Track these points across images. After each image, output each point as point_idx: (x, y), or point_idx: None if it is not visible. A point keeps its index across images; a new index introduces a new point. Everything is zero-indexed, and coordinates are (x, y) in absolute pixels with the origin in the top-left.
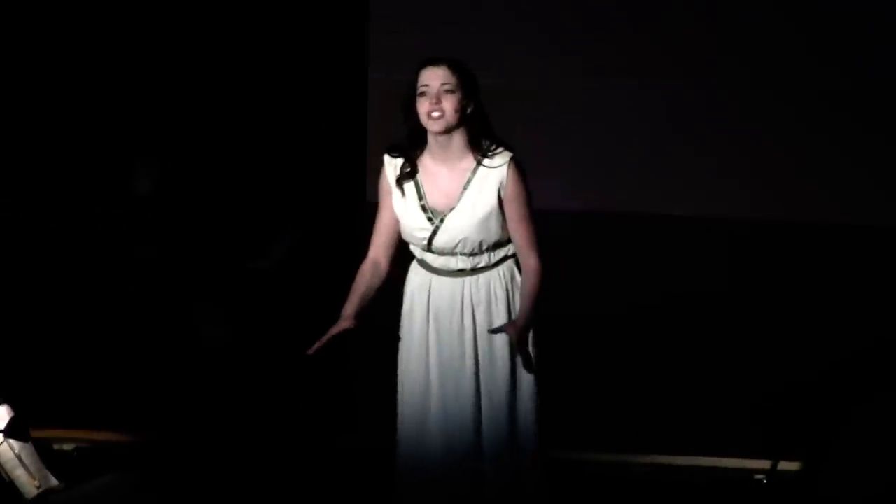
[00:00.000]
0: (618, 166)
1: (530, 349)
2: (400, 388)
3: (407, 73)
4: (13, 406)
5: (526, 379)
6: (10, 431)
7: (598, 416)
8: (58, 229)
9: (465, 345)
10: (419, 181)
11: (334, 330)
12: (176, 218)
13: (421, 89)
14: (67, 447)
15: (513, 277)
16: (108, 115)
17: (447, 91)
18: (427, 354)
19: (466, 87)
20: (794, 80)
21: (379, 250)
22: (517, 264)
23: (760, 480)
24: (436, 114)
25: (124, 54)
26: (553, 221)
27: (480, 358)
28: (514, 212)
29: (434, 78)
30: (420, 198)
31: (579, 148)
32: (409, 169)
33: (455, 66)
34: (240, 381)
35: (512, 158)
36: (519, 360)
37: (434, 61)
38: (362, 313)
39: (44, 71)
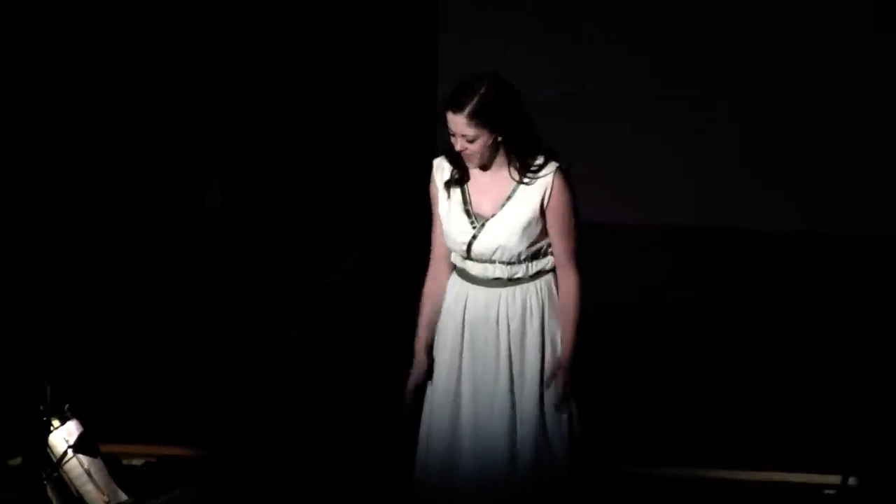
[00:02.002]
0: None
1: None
2: (428, 399)
3: None
4: (82, 421)
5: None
6: (79, 446)
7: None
8: (133, 244)
9: (499, 357)
10: (466, 186)
11: (416, 378)
12: (246, 232)
13: (449, 129)
14: (136, 462)
15: (549, 293)
16: (183, 130)
17: (469, 141)
18: (460, 367)
19: (492, 125)
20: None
21: (439, 262)
22: (555, 280)
23: (830, 495)
24: (464, 156)
25: (200, 70)
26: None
27: (514, 370)
28: (557, 223)
29: (454, 125)
30: (465, 202)
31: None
32: (458, 174)
33: (474, 114)
34: (312, 395)
35: (558, 168)
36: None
37: (454, 106)
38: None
39: (123, 86)
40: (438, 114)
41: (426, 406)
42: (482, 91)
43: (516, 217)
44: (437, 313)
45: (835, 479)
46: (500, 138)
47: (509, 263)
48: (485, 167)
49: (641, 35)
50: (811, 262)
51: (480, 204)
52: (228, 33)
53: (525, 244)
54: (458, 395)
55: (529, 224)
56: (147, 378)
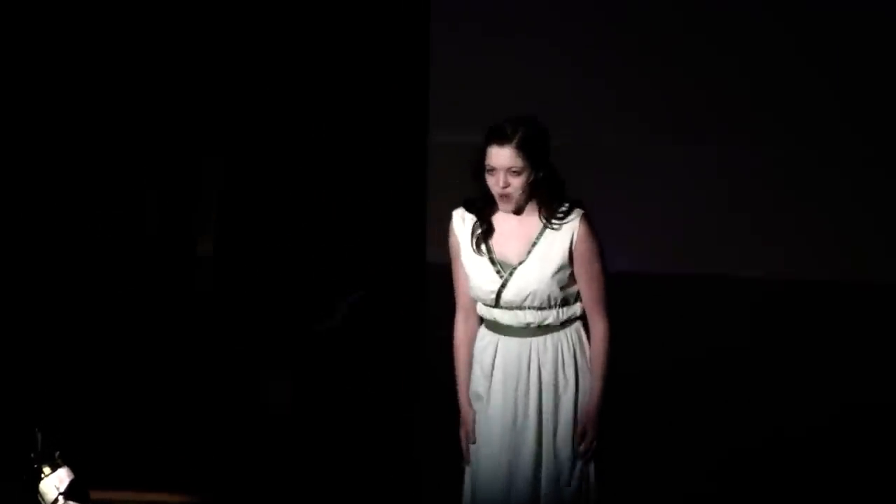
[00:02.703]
0: (661, 226)
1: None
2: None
3: (467, 135)
4: (73, 468)
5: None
6: (70, 494)
7: (652, 479)
8: (119, 290)
9: (529, 406)
10: (489, 237)
11: (468, 427)
12: (238, 279)
13: (488, 167)
14: None
15: (580, 340)
16: (172, 174)
17: (514, 173)
18: (489, 415)
19: (535, 161)
20: (838, 145)
21: (466, 313)
22: (585, 327)
23: None
24: (504, 196)
25: (182, 109)
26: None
27: (544, 420)
28: (585, 269)
29: (500, 158)
30: (490, 251)
31: (623, 209)
32: (484, 227)
33: (522, 144)
34: (303, 445)
35: (584, 215)
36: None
37: (501, 139)
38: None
39: (99, 131)
40: (431, 168)
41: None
42: (529, 124)
43: (546, 261)
44: (471, 360)
45: None
46: (539, 175)
47: (540, 309)
48: (517, 210)
49: (638, 84)
50: (833, 311)
51: (505, 252)
52: (219, 75)
53: (556, 288)
54: (488, 443)
55: (560, 269)
56: (137, 425)
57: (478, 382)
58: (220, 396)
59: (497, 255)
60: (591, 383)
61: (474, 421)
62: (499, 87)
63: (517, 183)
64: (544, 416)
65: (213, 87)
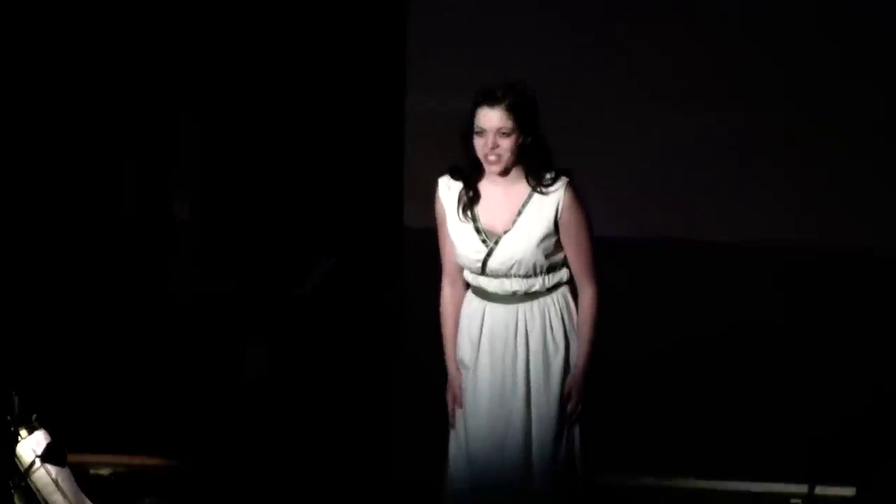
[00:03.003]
0: (666, 192)
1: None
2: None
3: (446, 100)
4: (50, 431)
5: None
6: (46, 456)
7: (639, 442)
8: (95, 255)
9: (517, 373)
10: (474, 205)
11: (455, 390)
12: (214, 243)
13: (477, 129)
14: (104, 472)
15: (567, 305)
16: (150, 142)
17: (503, 134)
18: (477, 381)
19: (524, 124)
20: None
21: (452, 279)
22: (571, 291)
23: None
24: (493, 157)
25: (163, 78)
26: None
27: (533, 385)
28: (571, 236)
29: (490, 120)
30: (475, 220)
31: (625, 174)
32: (469, 193)
33: (512, 106)
34: (280, 409)
35: (569, 183)
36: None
37: (491, 100)
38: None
39: (81, 104)
40: (408, 131)
41: (455, 426)
42: (520, 88)
43: (531, 231)
44: (456, 324)
45: (801, 488)
46: (527, 140)
47: (526, 277)
48: (504, 172)
49: (627, 51)
50: (800, 277)
51: (491, 221)
52: (198, 45)
53: (541, 256)
54: (475, 412)
55: (545, 237)
56: (115, 388)
57: (464, 349)
58: (198, 361)
59: (483, 223)
60: (578, 348)
61: (461, 385)
62: (479, 51)
63: (506, 144)
64: (532, 381)
65: (189, 51)
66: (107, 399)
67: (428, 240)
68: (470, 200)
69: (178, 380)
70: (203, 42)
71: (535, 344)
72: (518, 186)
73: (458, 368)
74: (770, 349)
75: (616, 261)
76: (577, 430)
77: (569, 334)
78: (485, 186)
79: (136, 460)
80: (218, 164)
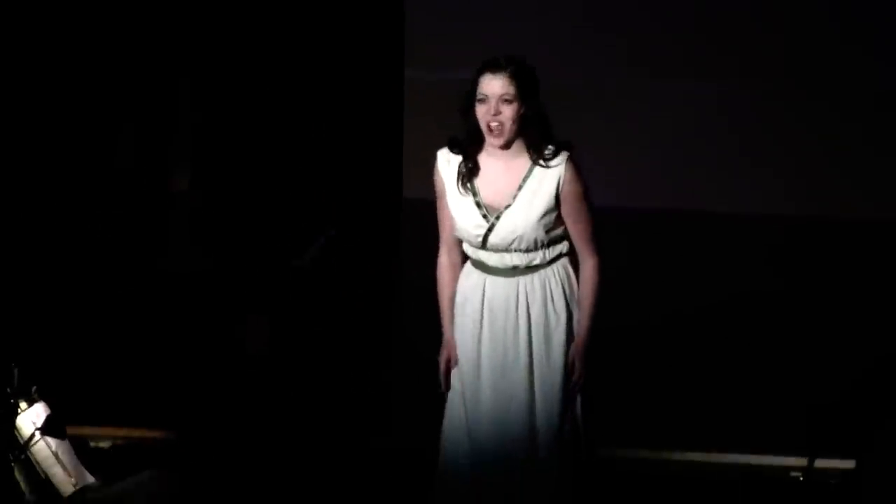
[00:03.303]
0: (665, 163)
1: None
2: (451, 387)
3: (444, 71)
4: (49, 403)
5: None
6: (46, 429)
7: (638, 414)
8: (96, 227)
9: (519, 345)
10: (475, 178)
11: (447, 357)
12: (213, 217)
13: (480, 96)
14: (104, 444)
15: (568, 276)
16: (146, 114)
17: (506, 101)
18: (479, 354)
19: (526, 93)
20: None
21: (449, 247)
22: (572, 262)
23: (797, 478)
24: (494, 124)
25: (160, 54)
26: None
27: (535, 357)
28: (572, 210)
29: (493, 87)
30: (475, 194)
31: (623, 145)
32: (469, 166)
33: (515, 74)
34: (278, 381)
35: (569, 157)
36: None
37: (494, 68)
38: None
39: (75, 71)
40: (407, 104)
41: (450, 395)
42: (522, 60)
43: (532, 207)
44: (454, 293)
45: (800, 461)
46: (529, 111)
47: (527, 251)
48: (506, 146)
49: (629, 23)
50: (799, 247)
51: (491, 195)
52: (195, 22)
53: (542, 231)
54: (479, 382)
55: (546, 213)
56: (114, 361)
57: (465, 323)
58: (197, 333)
59: (483, 198)
60: (580, 318)
61: (455, 349)
62: (478, 23)
63: (508, 112)
64: (535, 353)
65: (188, 23)
66: (106, 371)
67: (427, 211)
68: (469, 173)
69: (177, 352)
70: (202, 16)
71: (536, 316)
72: (519, 160)
73: (453, 335)
74: (770, 321)
75: (616, 231)
76: (578, 402)
77: (570, 305)
78: (484, 160)
79: (136, 433)
80: (216, 138)
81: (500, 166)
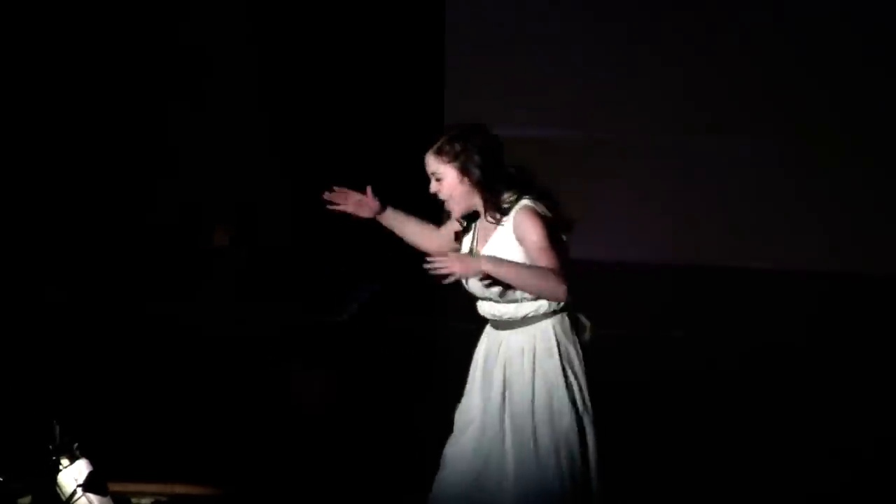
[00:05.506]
0: (699, 220)
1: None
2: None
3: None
4: (91, 460)
5: (564, 436)
6: (88, 486)
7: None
8: (140, 284)
9: (491, 397)
10: (475, 225)
11: (358, 197)
12: (256, 272)
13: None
14: (146, 501)
15: (559, 343)
16: (186, 176)
17: (437, 179)
18: (471, 400)
19: (457, 163)
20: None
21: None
22: (563, 332)
23: None
24: (441, 199)
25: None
26: (632, 275)
27: (508, 415)
28: (531, 248)
29: (427, 166)
30: (473, 240)
31: (658, 202)
32: (464, 223)
33: (438, 150)
34: (327, 437)
35: (522, 206)
36: (548, 408)
37: (430, 147)
38: (388, 215)
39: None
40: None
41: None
42: (452, 133)
43: (496, 254)
44: (415, 225)
45: None
46: (470, 180)
47: (508, 301)
48: (463, 213)
49: (658, 81)
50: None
51: (481, 246)
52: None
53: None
54: (466, 428)
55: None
56: (156, 417)
57: (473, 364)
58: (243, 388)
59: (478, 244)
60: (514, 264)
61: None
62: (516, 75)
63: (443, 188)
64: (508, 411)
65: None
66: (147, 427)
67: None
68: (466, 231)
69: (220, 408)
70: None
71: (510, 370)
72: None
73: (384, 207)
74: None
75: (645, 286)
76: (594, 462)
77: (536, 367)
78: (481, 221)
79: (179, 489)
80: (255, 194)
81: (487, 220)
